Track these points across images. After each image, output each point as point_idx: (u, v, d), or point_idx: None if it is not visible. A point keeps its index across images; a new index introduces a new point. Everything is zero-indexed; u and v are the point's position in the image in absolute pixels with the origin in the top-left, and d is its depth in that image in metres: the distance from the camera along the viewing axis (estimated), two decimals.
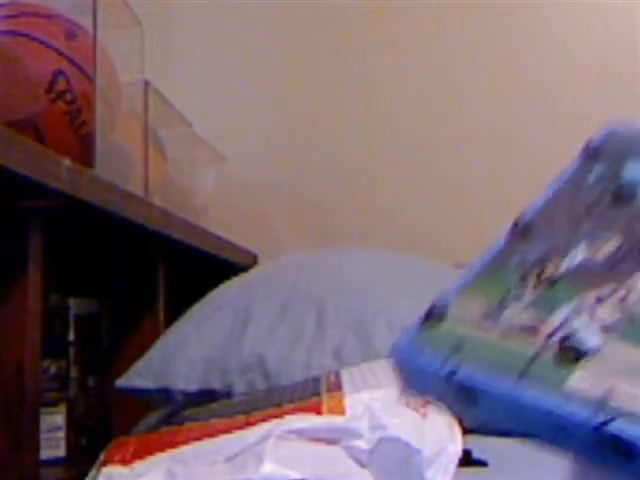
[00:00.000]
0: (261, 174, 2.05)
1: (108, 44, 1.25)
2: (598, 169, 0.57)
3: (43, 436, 1.16)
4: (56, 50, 1.16)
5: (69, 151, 1.06)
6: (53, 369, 1.35)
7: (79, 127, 1.17)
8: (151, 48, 1.47)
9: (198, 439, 0.84)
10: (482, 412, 0.45)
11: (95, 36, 1.21)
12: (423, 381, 0.46)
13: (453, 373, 0.45)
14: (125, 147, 1.41)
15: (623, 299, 0.46)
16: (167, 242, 1.42)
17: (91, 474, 0.92)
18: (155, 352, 1.20)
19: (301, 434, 0.78)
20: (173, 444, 0.85)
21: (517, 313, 0.47)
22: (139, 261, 1.47)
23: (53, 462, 1.29)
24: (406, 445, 0.78)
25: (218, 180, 1.94)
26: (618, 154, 0.57)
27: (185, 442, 0.84)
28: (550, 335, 0.45)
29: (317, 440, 0.78)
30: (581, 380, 0.42)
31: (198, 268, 1.65)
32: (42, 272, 1.05)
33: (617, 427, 0.39)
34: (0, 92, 1.02)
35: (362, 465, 0.78)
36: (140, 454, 0.86)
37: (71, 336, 1.41)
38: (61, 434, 1.33)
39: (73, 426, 1.37)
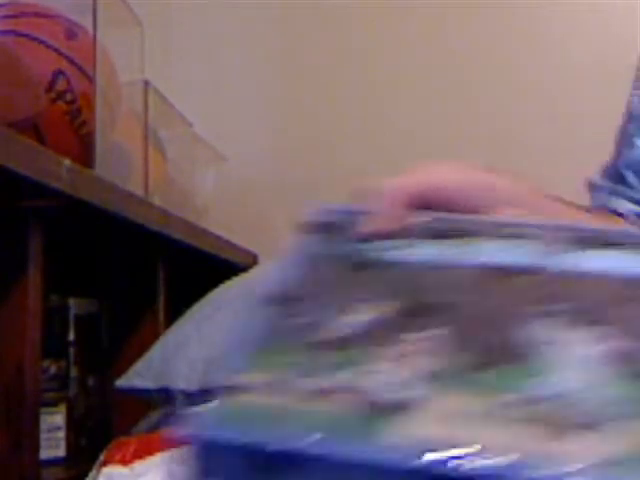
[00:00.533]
0: (261, 174, 2.05)
1: (108, 44, 1.25)
2: (333, 243, 0.54)
3: (43, 436, 1.16)
4: (56, 50, 1.16)
5: (69, 151, 1.06)
6: (53, 369, 1.35)
7: (79, 127, 1.17)
8: (151, 48, 1.47)
9: None
10: None
11: (95, 36, 1.21)
12: (220, 461, 0.42)
13: (257, 445, 0.41)
14: (125, 147, 1.41)
15: (413, 360, 0.44)
16: (167, 242, 1.42)
17: (91, 474, 0.92)
18: (155, 352, 1.20)
19: None
20: (173, 444, 0.85)
21: (310, 378, 0.43)
22: (139, 261, 1.47)
23: (53, 462, 1.29)
24: None
25: (218, 180, 1.94)
26: (348, 232, 0.55)
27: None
28: (354, 393, 0.42)
29: None
30: (399, 429, 0.40)
31: (198, 268, 1.65)
32: (42, 272, 1.05)
33: (449, 466, 0.38)
34: (0, 92, 1.02)
35: None
36: (140, 454, 0.86)
37: (71, 336, 1.41)
38: (61, 434, 1.33)
39: (73, 426, 1.37)
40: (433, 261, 0.51)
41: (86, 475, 0.94)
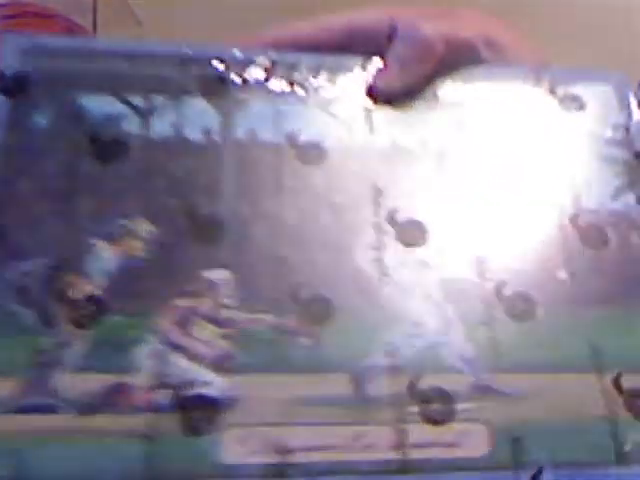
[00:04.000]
0: None
1: None
2: (31, 111, 0.37)
3: None
4: None
5: None
6: None
7: None
8: None
9: None
10: None
11: (95, 36, 1.20)
12: None
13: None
14: None
15: (209, 312, 0.35)
16: None
17: None
18: None
19: None
20: None
21: (80, 369, 0.33)
22: None
23: None
24: None
25: None
26: (42, 85, 0.38)
27: None
28: (156, 388, 0.34)
29: None
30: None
31: None
32: None
33: None
34: None
35: None
36: None
37: None
38: None
39: None
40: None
41: None
